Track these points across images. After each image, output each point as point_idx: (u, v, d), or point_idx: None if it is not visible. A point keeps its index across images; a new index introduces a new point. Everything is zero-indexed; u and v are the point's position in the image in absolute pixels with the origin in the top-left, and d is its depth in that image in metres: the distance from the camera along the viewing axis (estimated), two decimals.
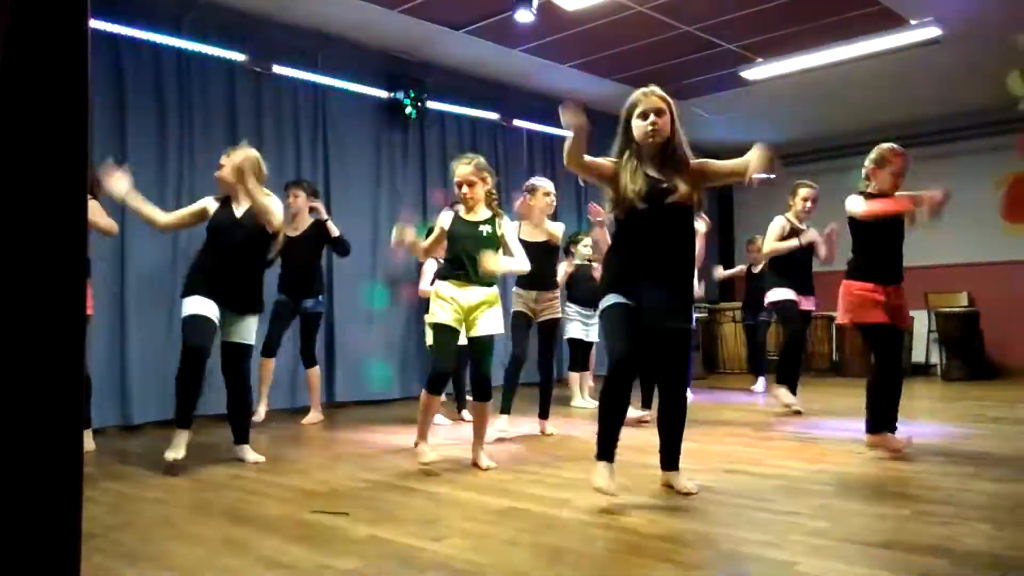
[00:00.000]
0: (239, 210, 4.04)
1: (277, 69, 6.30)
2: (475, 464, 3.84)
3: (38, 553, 0.97)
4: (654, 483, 3.34)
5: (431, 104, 7.24)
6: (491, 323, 3.85)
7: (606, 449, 3.04)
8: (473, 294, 3.82)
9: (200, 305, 3.90)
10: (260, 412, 5.50)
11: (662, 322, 3.05)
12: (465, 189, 3.89)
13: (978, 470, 3.53)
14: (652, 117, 3.09)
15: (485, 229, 3.88)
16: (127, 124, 5.46)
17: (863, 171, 4.13)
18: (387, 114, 7.09)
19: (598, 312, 3.20)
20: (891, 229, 4.02)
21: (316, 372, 5.80)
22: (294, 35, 6.44)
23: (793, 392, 5.67)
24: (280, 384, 6.05)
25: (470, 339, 3.87)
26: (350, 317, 6.69)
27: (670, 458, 3.27)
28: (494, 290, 3.90)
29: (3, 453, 0.98)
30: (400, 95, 6.99)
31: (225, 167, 4.05)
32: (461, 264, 3.81)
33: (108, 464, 4.01)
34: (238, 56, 6.03)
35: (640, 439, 4.48)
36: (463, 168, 3.91)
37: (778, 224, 5.69)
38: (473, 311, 3.83)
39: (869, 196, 4.02)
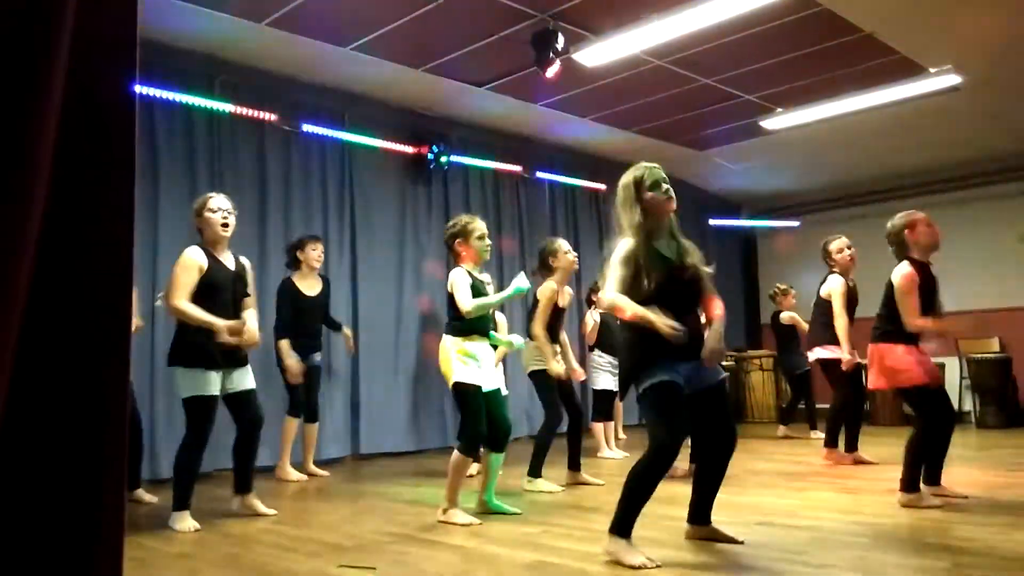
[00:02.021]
0: (228, 261, 3.99)
1: (305, 128, 6.46)
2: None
3: None
4: (683, 535, 3.29)
5: (454, 158, 7.37)
6: (501, 377, 4.03)
7: (630, 526, 2.91)
8: (486, 350, 3.94)
9: (213, 384, 3.82)
10: (288, 471, 5.47)
11: (703, 382, 3.06)
12: (488, 241, 3.97)
13: (1018, 520, 3.44)
14: (667, 186, 3.14)
15: (491, 288, 4.06)
16: (159, 181, 5.61)
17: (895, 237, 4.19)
18: (412, 169, 7.22)
19: (644, 387, 2.96)
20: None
21: (316, 428, 5.77)
22: (321, 95, 6.62)
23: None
24: (301, 437, 6.03)
25: (488, 393, 3.88)
26: (375, 369, 6.72)
27: (707, 511, 3.23)
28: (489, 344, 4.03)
29: (44, 503, 1.00)
30: (424, 150, 7.13)
31: (232, 223, 3.99)
32: (483, 322, 3.91)
33: (136, 519, 4.02)
34: (268, 116, 6.20)
35: (666, 491, 4.42)
36: (483, 223, 4.04)
37: (839, 284, 5.54)
38: (485, 367, 3.90)
39: (912, 260, 4.09)
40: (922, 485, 3.90)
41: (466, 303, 3.77)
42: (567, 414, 4.95)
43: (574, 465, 4.98)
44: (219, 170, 5.98)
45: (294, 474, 5.47)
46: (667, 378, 2.93)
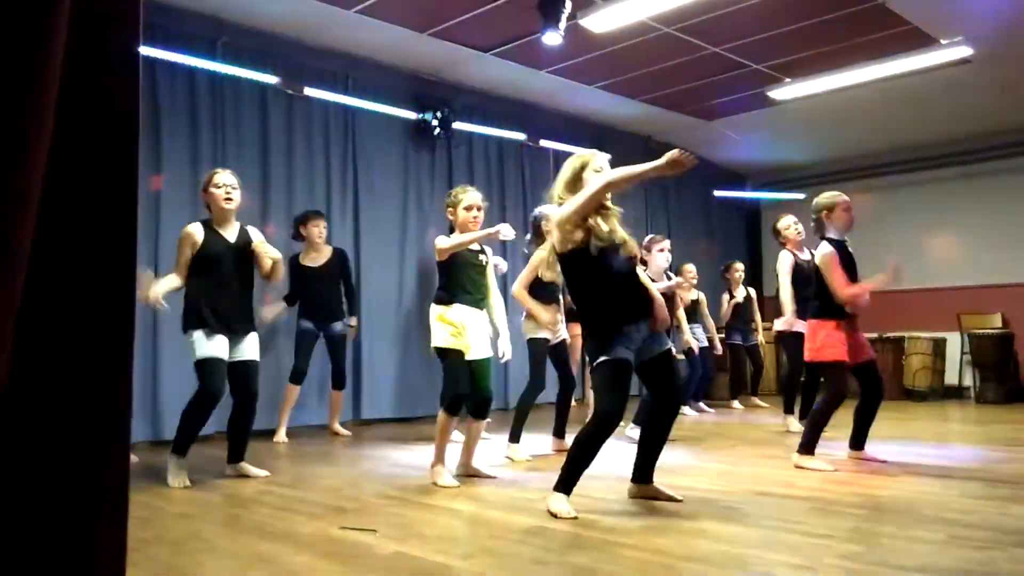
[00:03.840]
0: (229, 234, 4.08)
1: (308, 91, 6.40)
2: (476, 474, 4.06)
3: (84, 567, 0.99)
4: (681, 503, 3.31)
5: (458, 125, 7.31)
6: (488, 345, 4.06)
7: (572, 486, 3.21)
8: (474, 318, 3.99)
9: (216, 346, 3.93)
10: (281, 435, 5.58)
11: (652, 351, 3.32)
12: (476, 213, 4.03)
13: (1015, 494, 3.46)
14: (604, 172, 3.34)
15: (483, 258, 4.12)
16: (162, 144, 5.58)
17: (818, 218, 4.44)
18: (415, 135, 7.17)
19: (601, 360, 3.20)
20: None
21: (342, 394, 5.98)
22: (325, 58, 6.55)
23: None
24: (310, 402, 6.12)
25: (471, 361, 3.96)
26: (377, 335, 6.73)
27: (650, 471, 3.46)
28: (485, 314, 4.10)
29: (51, 467, 1.00)
30: (428, 116, 7.07)
31: (235, 198, 4.07)
32: (466, 290, 3.98)
33: (139, 479, 4.05)
34: (270, 79, 6.14)
35: (662, 460, 4.45)
36: (475, 194, 4.11)
37: (787, 261, 5.81)
38: (472, 334, 3.96)
39: (831, 240, 4.34)
40: (847, 449, 4.41)
41: (444, 243, 3.97)
42: (559, 382, 4.97)
43: (559, 432, 5.01)
44: (221, 133, 5.94)
45: (283, 437, 5.61)
46: (623, 356, 3.19)
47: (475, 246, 4.09)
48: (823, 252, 4.30)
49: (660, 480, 3.49)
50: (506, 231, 3.98)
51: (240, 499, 3.59)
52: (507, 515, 3.19)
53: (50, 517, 0.99)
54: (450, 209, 4.11)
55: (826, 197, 4.45)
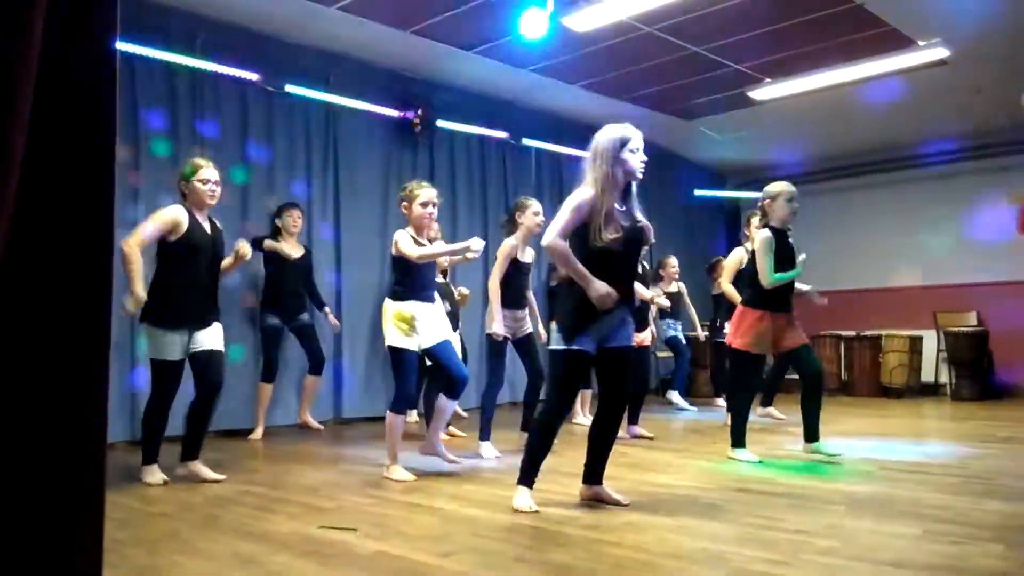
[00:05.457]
0: (207, 225, 4.05)
1: (289, 88, 6.35)
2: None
3: (61, 568, 0.98)
4: (661, 500, 3.34)
5: (440, 123, 7.29)
6: (445, 328, 4.08)
7: (533, 477, 3.24)
8: (427, 310, 4.01)
9: (173, 347, 3.86)
10: (258, 433, 5.59)
11: (616, 340, 3.25)
12: (432, 210, 4.04)
13: (989, 489, 3.51)
14: (642, 153, 3.25)
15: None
16: (140, 140, 5.51)
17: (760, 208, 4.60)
18: (396, 132, 7.14)
19: (563, 348, 3.16)
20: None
21: (319, 382, 5.96)
22: (305, 55, 6.50)
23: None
24: (285, 400, 6.09)
25: (433, 348, 3.97)
26: (357, 333, 6.70)
27: (600, 472, 3.36)
28: (439, 304, 4.13)
29: (26, 467, 0.99)
30: (409, 114, 7.04)
31: (217, 195, 4.04)
32: (423, 286, 4.00)
33: (117, 479, 4.02)
34: (250, 75, 6.09)
35: (636, 457, 4.48)
36: (431, 190, 4.07)
37: (735, 257, 5.90)
38: (423, 325, 3.97)
39: (772, 229, 4.41)
40: (803, 443, 4.45)
41: (412, 250, 3.91)
42: (528, 377, 4.96)
43: (525, 427, 4.99)
44: (200, 130, 5.88)
45: (260, 435, 5.63)
46: (581, 348, 3.15)
47: (438, 245, 4.12)
48: (761, 237, 4.40)
49: (641, 478, 3.51)
50: (476, 245, 3.94)
51: (218, 499, 3.56)
52: (488, 513, 3.19)
53: (29, 516, 0.98)
54: (404, 204, 4.07)
55: (772, 187, 4.52)
